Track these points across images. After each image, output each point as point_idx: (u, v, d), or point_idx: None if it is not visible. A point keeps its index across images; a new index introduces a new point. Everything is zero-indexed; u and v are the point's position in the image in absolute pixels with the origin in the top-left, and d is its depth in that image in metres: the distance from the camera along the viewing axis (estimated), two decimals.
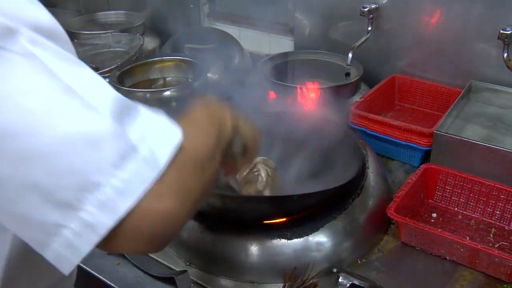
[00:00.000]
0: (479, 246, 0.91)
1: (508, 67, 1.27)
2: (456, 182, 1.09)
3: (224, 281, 0.95)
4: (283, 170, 1.14)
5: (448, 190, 1.10)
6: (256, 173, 1.04)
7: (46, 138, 0.46)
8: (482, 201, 1.07)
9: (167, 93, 1.41)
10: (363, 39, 1.50)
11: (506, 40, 1.24)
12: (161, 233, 0.51)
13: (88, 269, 0.96)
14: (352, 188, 1.02)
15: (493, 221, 1.06)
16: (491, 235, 1.03)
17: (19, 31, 0.47)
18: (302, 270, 0.91)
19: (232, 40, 1.74)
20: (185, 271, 0.94)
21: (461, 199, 1.09)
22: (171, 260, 0.99)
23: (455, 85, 1.39)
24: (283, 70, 1.64)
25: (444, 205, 1.11)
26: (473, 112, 1.29)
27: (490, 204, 1.06)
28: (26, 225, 0.49)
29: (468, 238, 1.01)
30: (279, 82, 1.44)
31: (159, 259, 0.99)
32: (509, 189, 1.04)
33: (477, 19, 1.34)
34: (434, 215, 1.09)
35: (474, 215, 1.08)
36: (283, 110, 1.22)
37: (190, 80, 1.55)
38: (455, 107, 1.26)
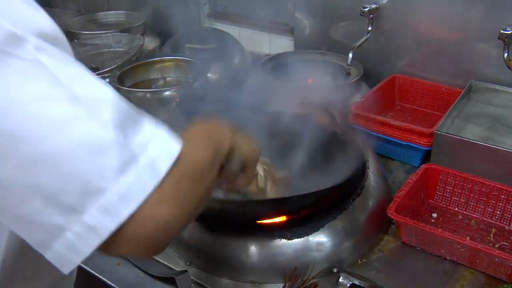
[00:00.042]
0: (480, 246, 0.91)
1: (508, 67, 1.27)
2: (457, 182, 1.09)
3: (224, 281, 0.95)
4: (282, 167, 1.13)
5: (448, 190, 1.10)
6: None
7: (52, 144, 0.47)
8: (482, 201, 1.07)
9: (167, 93, 1.41)
10: (363, 39, 1.50)
11: (506, 40, 1.24)
12: (160, 237, 0.53)
13: (88, 269, 0.96)
14: (352, 188, 1.02)
15: (493, 221, 1.06)
16: (492, 235, 1.03)
17: (25, 38, 0.48)
18: (302, 270, 0.91)
19: (232, 40, 1.74)
20: (185, 271, 0.94)
21: (461, 199, 1.09)
22: (171, 260, 0.99)
23: (455, 85, 1.39)
24: (283, 70, 1.64)
25: (444, 205, 1.11)
26: (473, 112, 1.29)
27: (491, 204, 1.06)
28: (29, 226, 0.50)
29: (468, 238, 1.01)
30: (279, 82, 1.44)
31: (159, 259, 0.99)
32: (509, 189, 1.04)
33: (477, 19, 1.34)
34: (435, 215, 1.09)
35: (475, 215, 1.08)
36: (283, 109, 1.22)
37: (190, 80, 1.55)
38: (455, 107, 1.26)
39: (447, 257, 0.97)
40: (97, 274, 0.96)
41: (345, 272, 0.91)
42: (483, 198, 1.07)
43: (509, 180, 1.05)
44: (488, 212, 1.07)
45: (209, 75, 1.52)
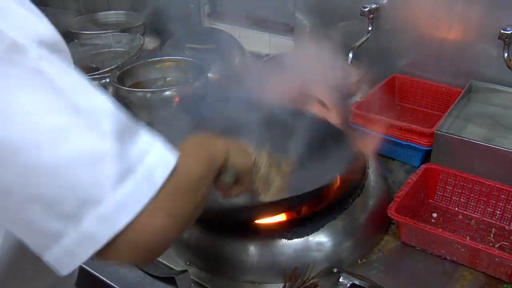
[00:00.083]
0: (480, 246, 0.91)
1: (509, 67, 1.27)
2: (457, 182, 1.09)
3: (224, 281, 0.95)
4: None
5: (448, 190, 1.10)
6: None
7: (51, 154, 0.48)
8: (482, 201, 1.07)
9: (167, 93, 1.41)
10: (363, 39, 1.50)
11: (506, 40, 1.24)
12: (154, 246, 0.55)
13: (89, 269, 0.96)
14: (352, 188, 1.02)
15: (493, 221, 1.06)
16: (492, 235, 1.03)
17: (27, 47, 0.49)
18: (302, 270, 0.91)
19: (232, 40, 1.74)
20: (185, 271, 0.94)
21: (461, 199, 1.09)
22: (171, 260, 0.99)
23: (455, 85, 1.39)
24: (283, 70, 1.63)
25: (444, 205, 1.11)
26: (473, 112, 1.29)
27: (491, 204, 1.06)
28: (28, 231, 0.52)
29: (468, 238, 1.01)
30: (279, 82, 1.43)
31: (159, 259, 0.99)
32: (509, 189, 1.04)
33: (477, 19, 1.34)
34: (435, 215, 1.09)
35: (475, 215, 1.08)
36: (279, 102, 1.22)
37: (190, 80, 1.55)
38: (456, 107, 1.26)
39: (447, 257, 0.97)
40: (97, 274, 0.96)
41: (345, 272, 0.91)
42: (483, 198, 1.07)
43: (509, 180, 1.05)
44: (488, 212, 1.07)
45: (209, 75, 1.52)
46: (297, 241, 0.94)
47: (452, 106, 1.25)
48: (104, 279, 0.95)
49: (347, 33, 1.60)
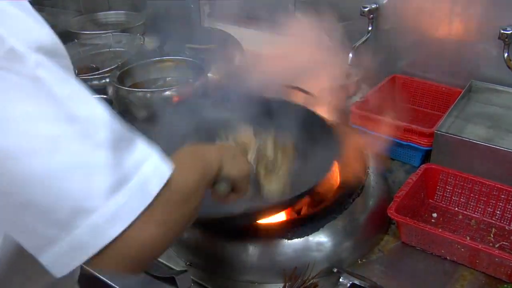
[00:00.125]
0: (480, 246, 0.91)
1: (509, 67, 1.27)
2: (457, 182, 1.09)
3: (224, 281, 0.95)
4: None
5: (448, 190, 1.10)
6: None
7: (44, 163, 0.48)
8: (482, 201, 1.07)
9: (167, 93, 1.41)
10: (363, 39, 1.50)
11: (506, 40, 1.24)
12: (144, 256, 0.55)
13: (89, 268, 0.96)
14: (352, 188, 1.02)
15: (493, 221, 1.06)
16: (492, 235, 1.03)
17: (25, 54, 0.49)
18: (302, 270, 0.91)
19: (232, 40, 1.74)
20: (186, 271, 0.94)
21: (461, 199, 1.09)
22: (171, 260, 0.99)
23: (455, 85, 1.39)
24: (283, 70, 1.63)
25: (444, 205, 1.11)
26: (473, 112, 1.29)
27: (491, 204, 1.06)
28: (23, 234, 0.52)
29: (468, 238, 1.01)
30: (279, 82, 1.43)
31: (159, 259, 0.99)
32: (509, 189, 1.04)
33: (477, 19, 1.34)
34: (435, 215, 1.09)
35: (475, 215, 1.08)
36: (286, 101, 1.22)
37: (190, 80, 1.55)
38: (456, 107, 1.26)
39: (447, 257, 0.97)
40: (97, 274, 0.96)
41: (345, 272, 0.91)
42: (483, 198, 1.07)
43: (509, 180, 1.05)
44: (488, 212, 1.07)
45: (209, 75, 1.52)
46: (297, 241, 0.94)
47: (452, 106, 1.25)
48: (104, 279, 0.95)
49: (347, 33, 1.60)
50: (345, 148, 1.09)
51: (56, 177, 0.48)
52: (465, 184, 1.08)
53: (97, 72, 1.62)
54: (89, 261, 0.51)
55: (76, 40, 1.85)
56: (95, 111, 0.53)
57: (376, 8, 1.47)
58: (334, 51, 1.58)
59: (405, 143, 1.23)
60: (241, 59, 1.69)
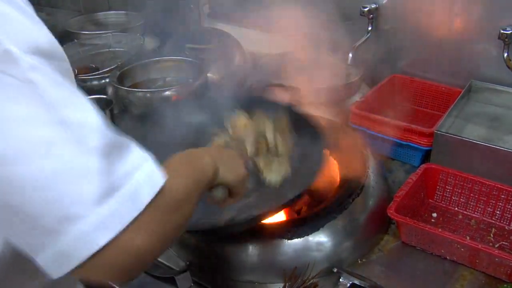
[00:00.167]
0: (479, 246, 0.91)
1: (508, 67, 1.28)
2: (456, 182, 1.09)
3: (224, 281, 0.95)
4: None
5: (448, 190, 1.10)
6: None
7: (34, 168, 0.47)
8: (482, 201, 1.07)
9: (167, 93, 1.41)
10: (363, 39, 1.50)
11: (506, 40, 1.24)
12: (134, 266, 0.54)
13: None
14: (352, 188, 1.02)
15: (493, 221, 1.06)
16: (491, 235, 1.03)
17: (20, 57, 0.48)
18: (302, 270, 0.91)
19: (232, 40, 1.74)
20: (186, 271, 0.94)
21: (461, 199, 1.09)
22: (171, 260, 0.99)
23: (455, 85, 1.39)
24: (283, 70, 1.64)
25: (444, 205, 1.11)
26: (473, 112, 1.29)
27: (491, 204, 1.06)
28: (14, 238, 0.52)
29: (468, 238, 1.01)
30: (279, 82, 1.44)
31: (159, 259, 0.99)
32: (509, 189, 1.04)
33: (477, 19, 1.34)
34: (434, 215, 1.09)
35: (474, 215, 1.08)
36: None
37: (190, 80, 1.55)
38: (455, 107, 1.26)
39: (447, 257, 0.97)
40: None
41: (345, 272, 0.91)
42: (483, 198, 1.07)
43: (509, 180, 1.05)
44: (488, 212, 1.07)
45: (209, 75, 1.52)
46: (297, 241, 0.94)
47: (452, 106, 1.25)
48: None
49: (347, 33, 1.60)
50: (340, 144, 1.09)
51: (44, 181, 0.47)
52: (465, 184, 1.08)
53: (97, 72, 1.62)
54: (75, 270, 0.50)
55: (76, 40, 1.84)
56: (88, 117, 0.52)
57: (376, 8, 1.47)
58: (334, 51, 1.59)
59: (405, 143, 1.23)
60: (241, 59, 1.69)
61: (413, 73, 1.48)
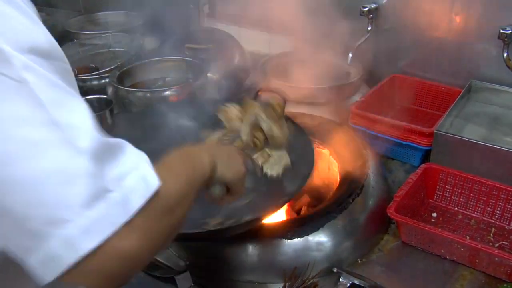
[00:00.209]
0: (479, 245, 0.91)
1: (508, 67, 1.28)
2: (456, 181, 1.09)
3: (224, 281, 0.95)
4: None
5: (448, 190, 1.10)
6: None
7: (22, 169, 0.46)
8: (482, 201, 1.07)
9: (167, 93, 1.41)
10: (363, 39, 1.50)
11: (506, 39, 1.24)
12: (121, 273, 0.52)
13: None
14: (352, 188, 1.02)
15: (493, 221, 1.06)
16: (491, 235, 1.03)
17: (14, 57, 0.47)
18: (302, 270, 0.91)
19: (232, 40, 1.74)
20: (186, 271, 0.94)
21: (461, 199, 1.09)
22: (171, 260, 0.99)
23: (455, 84, 1.39)
24: (283, 70, 1.64)
25: (444, 205, 1.11)
26: (473, 111, 1.29)
27: (490, 203, 1.06)
28: (5, 240, 0.50)
29: (468, 237, 1.01)
30: (279, 82, 1.44)
31: (159, 259, 0.99)
32: (509, 189, 1.04)
33: (477, 19, 1.34)
34: (434, 214, 1.09)
35: (474, 215, 1.08)
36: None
37: (190, 80, 1.55)
38: (455, 106, 1.26)
39: (447, 257, 0.97)
40: None
41: (345, 272, 0.91)
42: (483, 198, 1.07)
43: (509, 180, 1.05)
44: (488, 211, 1.07)
45: (209, 75, 1.52)
46: (297, 241, 0.94)
47: (451, 106, 1.25)
48: None
49: (347, 33, 1.60)
50: (340, 144, 1.09)
51: (32, 183, 0.46)
52: (464, 183, 1.08)
53: (96, 72, 1.62)
54: (64, 276, 0.48)
55: (75, 40, 1.84)
56: (80, 119, 0.50)
57: (376, 8, 1.48)
58: (334, 51, 1.59)
59: (405, 142, 1.23)
60: (241, 59, 1.69)
61: (413, 73, 1.49)
